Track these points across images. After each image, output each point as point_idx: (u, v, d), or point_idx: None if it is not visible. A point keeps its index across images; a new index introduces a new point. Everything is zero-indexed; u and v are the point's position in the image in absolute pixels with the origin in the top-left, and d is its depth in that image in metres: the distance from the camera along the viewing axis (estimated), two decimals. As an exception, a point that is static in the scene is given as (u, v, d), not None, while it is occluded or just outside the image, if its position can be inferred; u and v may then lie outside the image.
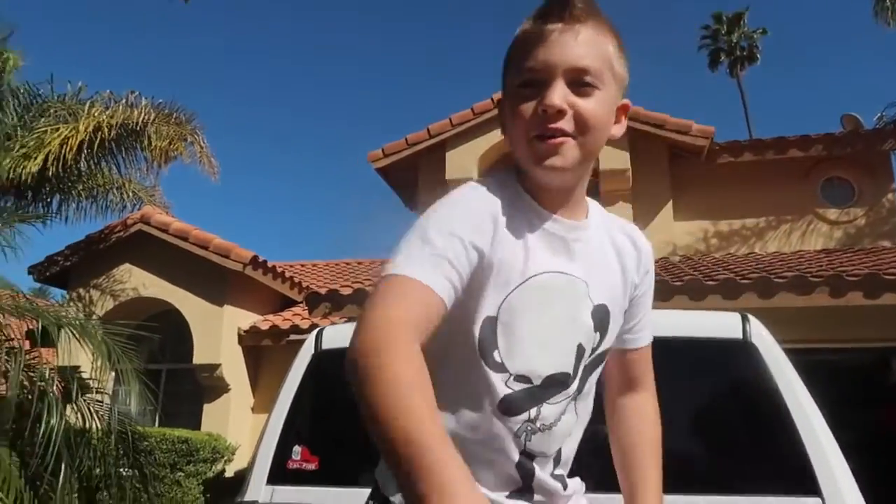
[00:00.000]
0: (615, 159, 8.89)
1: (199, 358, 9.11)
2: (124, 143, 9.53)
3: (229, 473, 8.38)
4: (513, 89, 0.99)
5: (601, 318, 1.04)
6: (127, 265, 9.79)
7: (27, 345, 4.85)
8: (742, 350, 2.14)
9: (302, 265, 12.70)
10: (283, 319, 9.44)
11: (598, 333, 1.04)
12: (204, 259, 9.11)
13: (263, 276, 9.41)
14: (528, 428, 0.99)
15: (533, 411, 0.99)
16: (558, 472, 1.06)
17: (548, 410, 1.00)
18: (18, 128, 9.46)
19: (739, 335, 2.17)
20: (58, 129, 9.04)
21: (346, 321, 5.83)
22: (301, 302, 9.36)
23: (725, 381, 2.23)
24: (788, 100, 69.46)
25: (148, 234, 9.55)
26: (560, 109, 0.94)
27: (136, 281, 9.70)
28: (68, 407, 4.79)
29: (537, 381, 0.98)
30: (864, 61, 64.99)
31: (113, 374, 5.23)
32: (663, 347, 2.17)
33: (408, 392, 0.75)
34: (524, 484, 1.00)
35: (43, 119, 9.54)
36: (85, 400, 4.98)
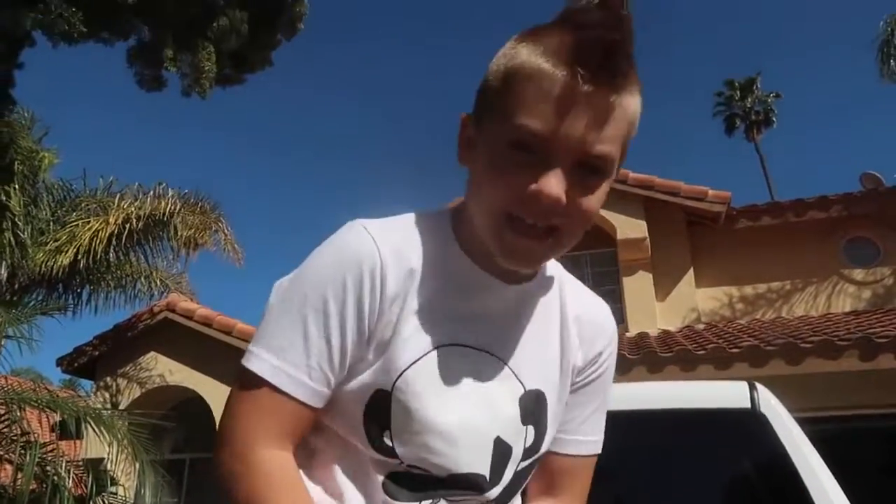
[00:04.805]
0: (632, 228, 8.89)
1: (222, 445, 9.02)
2: (152, 233, 9.76)
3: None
4: (501, 140, 0.75)
5: (532, 406, 0.83)
6: (153, 353, 9.90)
7: (52, 437, 4.88)
8: (751, 420, 2.08)
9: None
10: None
11: (528, 427, 0.83)
12: (228, 345, 9.17)
13: (287, 360, 9.41)
14: None
15: None
16: None
17: None
18: (51, 222, 9.78)
19: (747, 405, 2.11)
20: (89, 223, 9.31)
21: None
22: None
23: (734, 454, 2.15)
24: (809, 161, 69.70)
25: (173, 322, 9.69)
26: (560, 203, 0.73)
27: (163, 368, 9.77)
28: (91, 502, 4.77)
29: (440, 474, 0.79)
30: (883, 117, 65.29)
31: (135, 464, 5.20)
32: (666, 420, 2.15)
33: (272, 493, 0.73)
34: None
35: (75, 213, 9.85)
36: (105, 495, 4.96)
